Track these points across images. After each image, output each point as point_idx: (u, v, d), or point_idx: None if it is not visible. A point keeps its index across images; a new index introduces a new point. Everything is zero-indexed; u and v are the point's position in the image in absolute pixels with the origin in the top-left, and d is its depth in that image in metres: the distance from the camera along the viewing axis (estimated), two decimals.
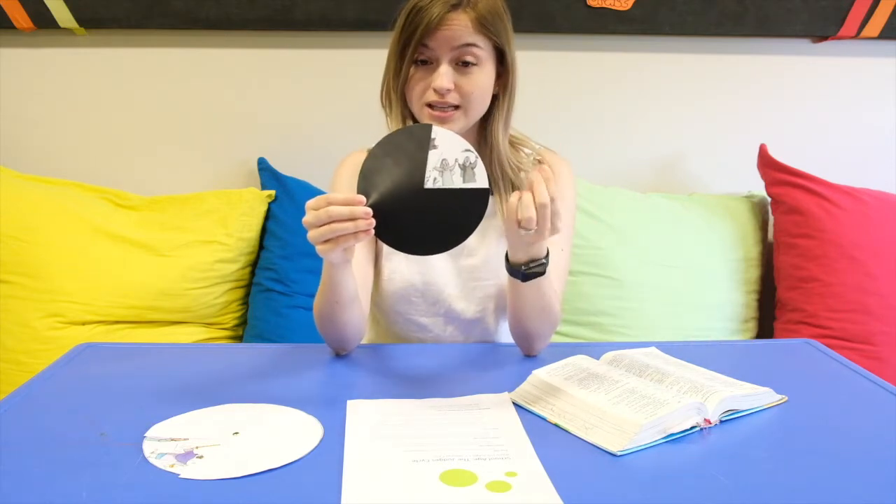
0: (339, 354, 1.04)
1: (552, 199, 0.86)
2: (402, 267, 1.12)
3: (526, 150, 1.15)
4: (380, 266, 1.14)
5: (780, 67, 1.83)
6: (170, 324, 1.64)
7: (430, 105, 1.02)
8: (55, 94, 1.76)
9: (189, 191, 1.76)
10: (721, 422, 0.82)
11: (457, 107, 1.02)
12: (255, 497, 0.66)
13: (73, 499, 0.65)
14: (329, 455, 0.73)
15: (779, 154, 1.74)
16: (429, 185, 0.85)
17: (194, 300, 1.63)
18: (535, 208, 0.86)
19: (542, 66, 1.79)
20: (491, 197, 0.99)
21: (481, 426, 0.80)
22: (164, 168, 1.80)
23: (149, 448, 0.74)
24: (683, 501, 0.66)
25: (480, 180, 0.86)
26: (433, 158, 0.85)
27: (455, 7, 0.99)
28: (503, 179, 1.08)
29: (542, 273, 0.95)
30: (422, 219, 0.86)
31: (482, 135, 1.09)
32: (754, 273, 1.76)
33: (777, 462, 0.74)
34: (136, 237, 1.63)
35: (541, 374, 0.89)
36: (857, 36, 1.77)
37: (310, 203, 0.83)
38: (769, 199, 1.78)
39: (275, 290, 1.66)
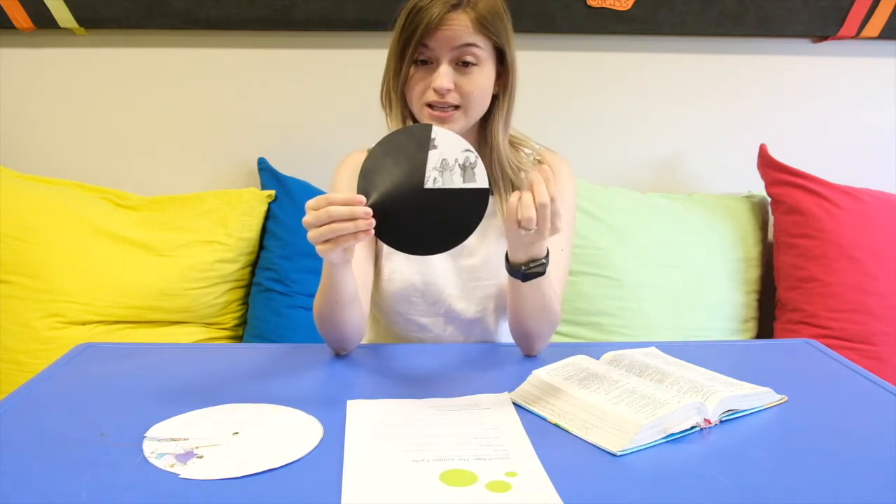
0: (339, 354, 1.04)
1: (552, 199, 0.86)
2: (402, 267, 1.12)
3: (526, 151, 1.15)
4: (380, 266, 1.14)
5: (780, 67, 1.83)
6: (170, 324, 1.64)
7: (430, 105, 1.02)
8: (55, 94, 1.76)
9: (189, 191, 1.76)
10: (721, 422, 0.82)
11: (457, 107, 1.02)
12: (255, 497, 0.66)
13: (73, 499, 0.65)
14: (329, 455, 0.73)
15: (779, 154, 1.74)
16: (429, 185, 0.85)
17: (194, 300, 1.63)
18: (535, 208, 0.86)
19: (542, 66, 1.79)
20: (491, 197, 0.99)
21: (481, 426, 0.80)
22: (164, 168, 1.80)
23: (149, 448, 0.74)
24: (683, 501, 0.66)
25: (480, 180, 0.86)
26: (433, 158, 0.85)
27: (455, 7, 0.99)
28: (503, 179, 1.08)
29: (542, 273, 0.95)
30: (422, 219, 0.86)
31: (482, 135, 1.09)
32: (754, 273, 1.76)
33: (777, 462, 0.74)
34: (136, 237, 1.63)
35: (541, 374, 0.89)
36: (857, 36, 1.77)
37: (310, 203, 0.83)
38: (769, 199, 1.78)
39: (275, 290, 1.66)
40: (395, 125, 1.05)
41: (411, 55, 1.01)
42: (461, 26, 0.99)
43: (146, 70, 1.75)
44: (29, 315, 1.55)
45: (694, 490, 0.68)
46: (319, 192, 1.70)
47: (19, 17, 1.66)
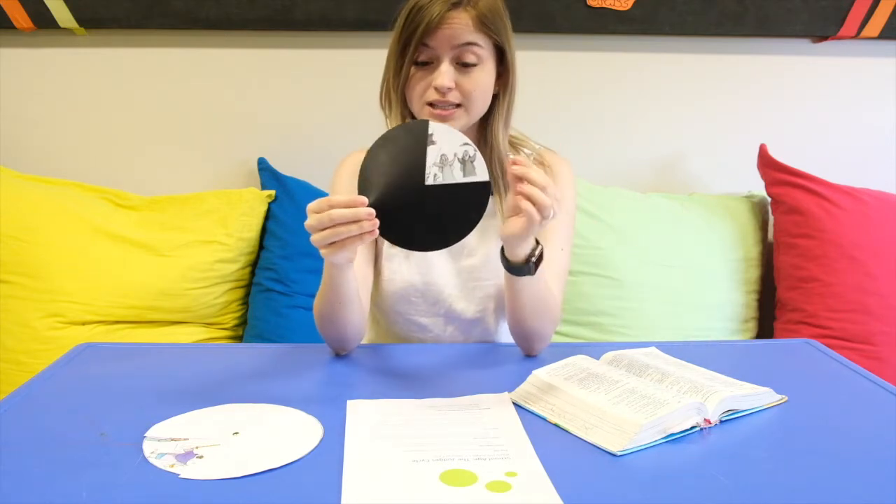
0: (339, 354, 1.04)
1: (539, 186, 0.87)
2: (402, 267, 1.12)
3: (526, 150, 1.15)
4: (380, 266, 1.14)
5: (780, 67, 1.83)
6: (170, 324, 1.64)
7: (431, 104, 1.02)
8: (55, 94, 1.76)
9: (189, 191, 1.76)
10: (721, 422, 0.82)
11: (458, 105, 1.02)
12: (255, 497, 0.66)
13: (73, 499, 0.65)
14: (329, 455, 0.73)
15: (779, 154, 1.74)
16: (429, 181, 0.85)
17: (194, 300, 1.63)
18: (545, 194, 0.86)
19: (542, 66, 1.79)
20: (491, 197, 0.99)
21: (481, 426, 0.80)
22: (164, 168, 1.80)
23: (149, 448, 0.74)
24: (683, 501, 0.66)
25: (481, 173, 0.86)
26: (432, 154, 0.85)
27: (455, 6, 0.99)
28: (503, 179, 1.08)
29: (542, 257, 0.95)
30: (425, 215, 0.86)
31: (482, 134, 1.09)
32: (754, 273, 1.76)
33: (777, 462, 0.74)
34: (136, 237, 1.63)
35: (541, 374, 0.89)
36: (857, 36, 1.77)
37: (311, 206, 0.83)
38: (769, 199, 1.78)
39: (275, 290, 1.66)
40: (394, 126, 1.05)
41: (412, 54, 1.01)
42: (462, 25, 0.99)
43: (146, 70, 1.75)
44: (29, 315, 1.55)
45: (694, 490, 0.68)
46: (319, 192, 1.71)
47: (19, 17, 1.66)
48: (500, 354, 1.07)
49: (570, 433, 0.79)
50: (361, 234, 0.82)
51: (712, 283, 1.71)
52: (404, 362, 1.03)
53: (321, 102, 1.78)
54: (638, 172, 1.87)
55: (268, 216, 1.73)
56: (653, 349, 1.02)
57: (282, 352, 1.06)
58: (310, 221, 0.83)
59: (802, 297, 1.67)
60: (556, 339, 1.14)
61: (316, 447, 0.75)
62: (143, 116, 1.78)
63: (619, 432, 0.76)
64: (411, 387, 0.92)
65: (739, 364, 1.05)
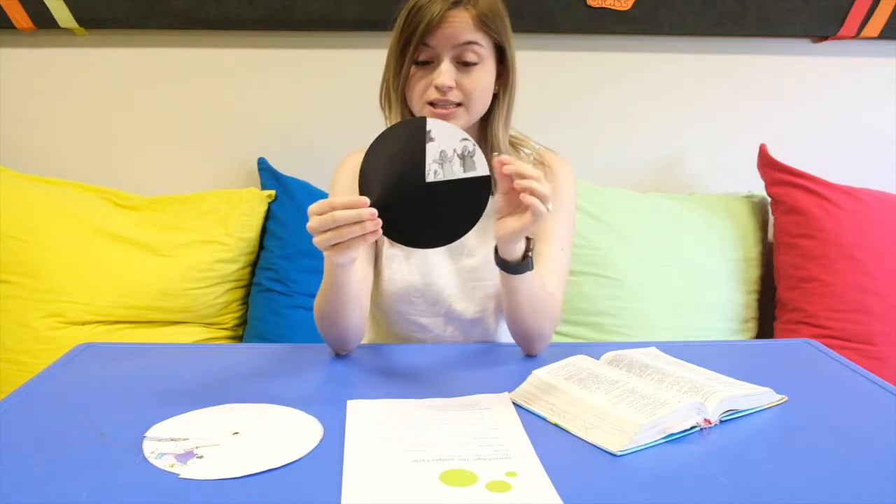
0: (339, 354, 1.04)
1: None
2: (402, 267, 1.12)
3: (526, 150, 1.15)
4: (380, 266, 1.14)
5: (780, 67, 1.83)
6: (170, 324, 1.64)
7: (431, 104, 1.02)
8: (55, 94, 1.76)
9: (189, 191, 1.76)
10: (721, 422, 0.82)
11: (458, 104, 1.02)
12: (255, 497, 0.66)
13: (73, 499, 0.65)
14: (329, 455, 0.73)
15: (779, 154, 1.74)
16: (430, 178, 0.85)
17: (194, 300, 1.63)
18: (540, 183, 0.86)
19: (542, 66, 1.79)
20: (491, 197, 0.99)
21: (481, 426, 0.80)
22: (164, 168, 1.80)
23: (149, 448, 0.74)
24: (683, 501, 0.66)
25: (481, 168, 0.86)
26: (431, 151, 0.85)
27: (455, 5, 0.99)
28: (503, 178, 1.08)
29: (532, 251, 0.96)
30: (427, 212, 0.86)
31: (482, 134, 1.09)
32: (754, 273, 1.76)
33: (777, 462, 0.74)
34: (136, 237, 1.63)
35: (541, 374, 0.89)
36: (857, 36, 1.77)
37: (312, 208, 0.83)
38: (769, 199, 1.78)
39: (275, 290, 1.66)
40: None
41: (412, 54, 1.01)
42: (462, 24, 0.99)
43: (146, 70, 1.75)
44: (29, 315, 1.55)
45: (694, 490, 0.68)
46: (319, 192, 1.71)
47: (19, 17, 1.66)
48: (500, 354, 1.07)
49: (570, 433, 0.79)
50: (365, 234, 0.82)
51: (712, 283, 1.71)
52: (404, 362, 1.03)
53: (321, 102, 1.78)
54: (638, 172, 1.87)
55: (268, 216, 1.73)
56: (653, 349, 1.02)
57: (282, 352, 1.06)
58: (312, 224, 0.83)
59: (802, 297, 1.67)
60: (556, 339, 1.14)
61: (316, 447, 0.75)
62: (143, 116, 1.78)
63: (619, 432, 0.76)
64: (411, 387, 0.92)
65: (739, 364, 1.05)
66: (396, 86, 1.04)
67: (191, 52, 1.75)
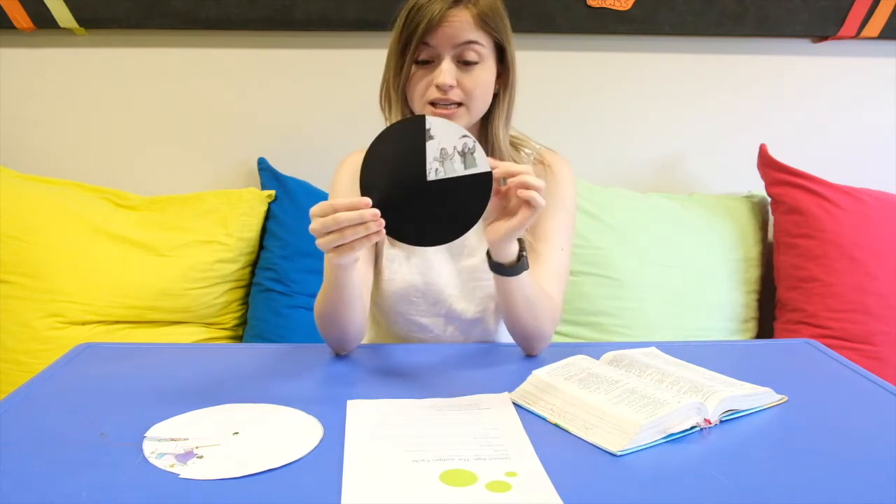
0: (340, 354, 1.04)
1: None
2: (402, 267, 1.12)
3: (526, 150, 1.15)
4: (380, 266, 1.14)
5: (780, 67, 1.83)
6: (170, 324, 1.64)
7: (432, 103, 1.02)
8: (55, 94, 1.76)
9: (189, 191, 1.76)
10: (721, 422, 0.82)
11: (459, 104, 1.02)
12: (255, 497, 0.66)
13: (73, 499, 0.65)
14: (329, 455, 0.73)
15: (779, 154, 1.75)
16: (431, 176, 0.85)
17: (194, 300, 1.63)
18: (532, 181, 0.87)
19: (542, 66, 1.79)
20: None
21: (481, 426, 0.80)
22: (164, 168, 1.80)
23: (149, 448, 0.74)
24: (683, 501, 0.66)
25: (482, 164, 0.86)
26: (432, 149, 0.85)
27: (456, 4, 0.99)
28: (503, 179, 1.08)
29: (526, 250, 0.96)
30: (429, 211, 0.86)
31: (483, 133, 1.09)
32: (754, 273, 1.76)
33: (777, 462, 0.74)
34: (136, 237, 1.63)
35: (541, 374, 0.89)
36: (857, 36, 1.77)
37: (314, 210, 0.83)
38: (769, 199, 1.78)
39: (275, 290, 1.66)
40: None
41: (412, 53, 1.01)
42: (462, 23, 0.99)
43: (146, 70, 1.75)
44: (29, 315, 1.55)
45: (694, 490, 0.68)
46: (319, 192, 1.71)
47: (19, 17, 1.66)
48: (500, 354, 1.07)
49: (570, 433, 0.79)
50: (368, 235, 0.82)
51: (712, 283, 1.71)
52: (404, 362, 1.03)
53: (321, 102, 1.78)
54: (638, 172, 1.87)
55: (268, 216, 1.73)
56: (653, 349, 1.02)
57: (282, 352, 1.06)
58: (314, 226, 0.82)
59: (802, 297, 1.67)
60: (556, 339, 1.14)
61: (316, 447, 0.75)
62: (143, 116, 1.78)
63: (619, 432, 0.76)
64: (411, 387, 0.92)
65: (739, 364, 1.05)
66: (397, 86, 1.04)
67: (191, 52, 1.75)
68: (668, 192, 1.85)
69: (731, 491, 0.68)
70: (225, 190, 1.75)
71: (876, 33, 1.77)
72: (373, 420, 0.81)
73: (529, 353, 1.05)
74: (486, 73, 1.03)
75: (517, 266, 0.95)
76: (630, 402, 0.80)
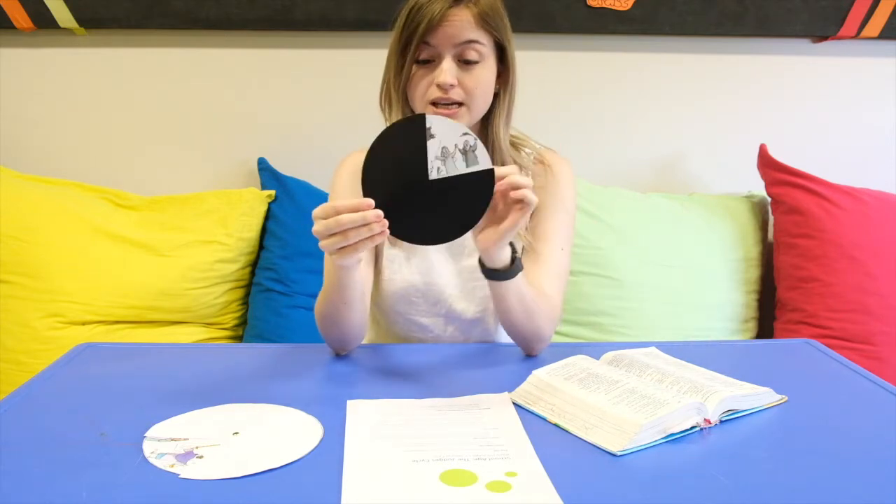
0: (340, 354, 1.04)
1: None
2: (402, 267, 1.12)
3: (526, 150, 1.15)
4: (380, 266, 1.14)
5: (780, 67, 1.83)
6: (170, 324, 1.64)
7: (434, 103, 1.02)
8: (55, 94, 1.76)
9: (189, 191, 1.76)
10: (721, 422, 0.82)
11: (460, 104, 1.02)
12: (255, 497, 0.66)
13: (73, 499, 0.65)
14: (329, 455, 0.73)
15: (779, 154, 1.75)
16: (433, 175, 0.85)
17: (194, 300, 1.63)
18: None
19: (542, 66, 1.78)
20: None
21: (481, 426, 0.80)
22: (164, 168, 1.80)
23: (149, 448, 0.74)
24: (683, 501, 0.66)
25: (483, 161, 0.86)
26: (433, 148, 0.85)
27: (456, 3, 0.99)
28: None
29: (518, 253, 0.96)
30: (432, 210, 0.86)
31: (483, 133, 1.09)
32: (754, 273, 1.76)
33: (777, 462, 0.74)
34: (136, 237, 1.63)
35: (541, 374, 0.89)
36: (857, 36, 1.77)
37: (317, 212, 0.83)
38: (769, 199, 1.78)
39: (275, 290, 1.66)
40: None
41: (413, 53, 1.01)
42: (463, 22, 0.99)
43: (146, 70, 1.75)
44: (29, 315, 1.55)
45: (694, 490, 0.68)
46: (319, 192, 1.71)
47: (19, 17, 1.66)
48: (500, 354, 1.07)
49: (570, 433, 0.79)
50: (372, 236, 0.82)
51: (712, 283, 1.71)
52: (404, 362, 1.03)
53: (321, 102, 1.78)
54: (638, 172, 1.87)
55: (268, 216, 1.73)
56: (653, 349, 1.02)
57: (282, 352, 1.06)
58: (317, 228, 0.82)
59: (802, 297, 1.67)
60: (556, 339, 1.14)
61: (316, 447, 0.75)
62: (143, 116, 1.78)
63: (619, 432, 0.76)
64: (411, 387, 0.92)
65: (739, 364, 1.05)
66: (398, 85, 1.04)
67: (191, 52, 1.75)
68: (668, 192, 1.85)
69: (731, 491, 0.68)
70: (225, 190, 1.75)
71: (876, 33, 1.77)
72: (373, 420, 0.81)
73: (529, 353, 1.05)
74: (486, 73, 1.03)
75: (511, 269, 0.95)
76: (630, 402, 0.80)
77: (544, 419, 0.83)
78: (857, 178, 1.74)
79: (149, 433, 0.77)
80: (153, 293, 1.60)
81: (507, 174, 0.87)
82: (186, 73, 1.76)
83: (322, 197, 1.63)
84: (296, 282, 1.65)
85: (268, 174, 1.75)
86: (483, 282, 1.11)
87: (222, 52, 1.75)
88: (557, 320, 1.06)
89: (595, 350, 0.98)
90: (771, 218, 1.79)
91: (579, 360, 0.93)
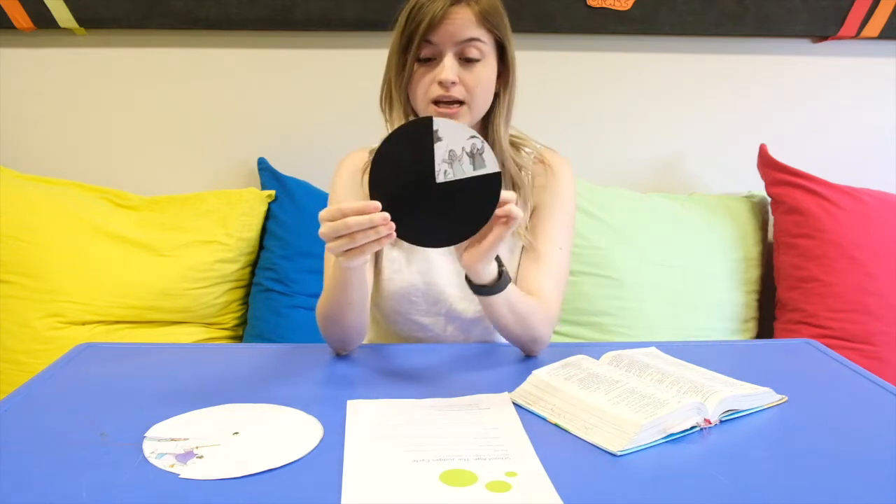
0: (340, 354, 1.04)
1: None
2: (403, 268, 1.12)
3: (526, 150, 1.15)
4: (380, 266, 1.14)
5: (780, 67, 1.83)
6: (170, 324, 1.64)
7: (435, 102, 1.02)
8: (55, 94, 1.76)
9: (189, 191, 1.76)
10: (721, 422, 0.82)
11: (461, 103, 1.02)
12: (255, 497, 0.66)
13: (73, 499, 0.65)
14: (329, 455, 0.73)
15: (779, 154, 1.74)
16: (440, 178, 0.85)
17: (194, 300, 1.63)
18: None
19: (542, 66, 1.78)
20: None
21: (481, 426, 0.80)
22: (164, 168, 1.80)
23: (149, 448, 0.74)
24: (683, 501, 0.66)
25: (490, 164, 0.85)
26: (440, 151, 0.85)
27: (457, 1, 0.99)
28: (505, 178, 1.08)
29: (504, 266, 0.96)
30: (439, 212, 0.86)
31: (484, 133, 1.09)
32: (754, 273, 1.76)
33: (777, 462, 0.74)
34: (136, 237, 1.63)
35: (541, 374, 0.89)
36: (857, 36, 1.77)
37: (323, 215, 0.82)
38: (769, 199, 1.78)
39: (275, 290, 1.66)
40: (396, 125, 1.05)
41: (415, 51, 1.01)
42: (464, 20, 0.99)
43: (146, 70, 1.75)
44: (29, 315, 1.55)
45: (694, 490, 0.68)
46: (319, 192, 1.71)
47: (19, 17, 1.66)
48: (500, 354, 1.07)
49: (570, 433, 0.79)
50: (379, 238, 0.82)
51: (712, 283, 1.71)
52: (404, 362, 1.03)
53: (321, 102, 1.78)
54: (638, 172, 1.87)
55: (268, 216, 1.73)
56: (653, 349, 1.02)
57: (282, 352, 1.06)
58: (324, 230, 0.82)
59: (802, 297, 1.67)
60: (555, 339, 1.14)
61: (316, 447, 0.75)
62: (143, 116, 1.78)
63: (619, 432, 0.76)
64: (411, 387, 0.92)
65: (739, 364, 1.05)
66: (399, 84, 1.04)
67: (191, 52, 1.75)
68: (668, 192, 1.85)
69: (731, 491, 0.68)
70: (225, 190, 1.75)
71: (876, 33, 1.77)
72: (373, 420, 0.81)
73: (528, 353, 1.05)
74: (487, 71, 1.03)
75: (498, 284, 0.95)
76: (630, 402, 0.80)
77: (544, 419, 0.83)
78: (857, 178, 1.74)
79: (149, 433, 0.77)
80: (153, 293, 1.60)
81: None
82: (186, 73, 1.76)
83: (322, 197, 1.63)
84: (296, 282, 1.65)
85: (268, 174, 1.75)
86: None
87: (222, 52, 1.75)
88: (555, 321, 1.06)
89: (595, 350, 0.98)
90: (771, 218, 1.79)
91: (579, 360, 0.93)
